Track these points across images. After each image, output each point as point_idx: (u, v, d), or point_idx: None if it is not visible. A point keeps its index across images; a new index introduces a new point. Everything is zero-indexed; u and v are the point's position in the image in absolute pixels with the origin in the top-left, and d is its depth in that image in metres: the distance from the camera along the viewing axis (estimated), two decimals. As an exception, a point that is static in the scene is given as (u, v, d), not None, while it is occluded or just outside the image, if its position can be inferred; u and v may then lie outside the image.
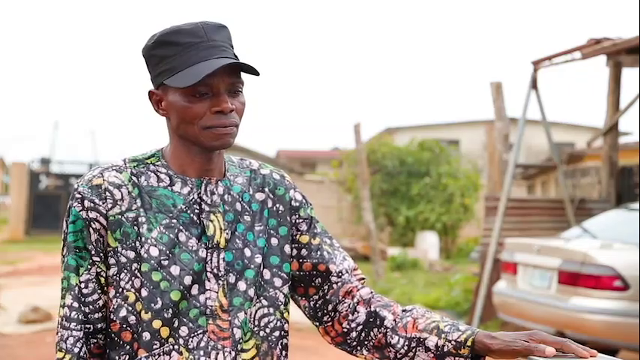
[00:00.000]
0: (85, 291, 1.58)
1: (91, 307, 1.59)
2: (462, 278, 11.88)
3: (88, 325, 1.58)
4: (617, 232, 7.03)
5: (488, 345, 1.55)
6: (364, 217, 13.87)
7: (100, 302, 1.60)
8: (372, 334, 1.70)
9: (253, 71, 1.60)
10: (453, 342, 1.60)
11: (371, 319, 1.71)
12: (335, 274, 1.74)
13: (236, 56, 1.62)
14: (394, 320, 1.69)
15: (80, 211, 1.58)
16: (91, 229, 1.58)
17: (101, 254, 1.59)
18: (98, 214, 1.58)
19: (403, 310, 1.71)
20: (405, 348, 1.66)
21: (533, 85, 9.34)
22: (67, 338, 1.57)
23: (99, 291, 1.59)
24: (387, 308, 1.71)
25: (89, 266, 1.58)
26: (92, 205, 1.57)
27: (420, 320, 1.67)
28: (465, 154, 22.26)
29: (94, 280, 1.59)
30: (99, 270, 1.59)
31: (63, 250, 1.62)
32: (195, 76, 1.54)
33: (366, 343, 1.71)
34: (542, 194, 18.93)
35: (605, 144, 9.85)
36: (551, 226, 9.35)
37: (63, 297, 1.60)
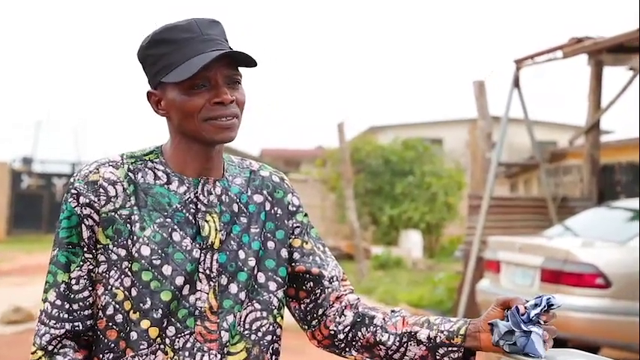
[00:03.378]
0: (75, 287, 1.57)
1: (81, 303, 1.57)
2: (445, 277, 11.92)
3: (76, 323, 1.57)
4: (599, 230, 7.07)
5: (480, 337, 1.57)
6: (348, 215, 13.88)
7: (91, 300, 1.58)
8: (359, 334, 1.69)
9: (250, 62, 1.59)
10: (445, 332, 1.60)
11: (359, 320, 1.70)
12: (327, 279, 1.73)
13: (231, 49, 1.61)
14: (383, 319, 1.68)
15: (75, 207, 1.57)
16: (84, 225, 1.57)
17: (93, 251, 1.57)
18: (92, 211, 1.56)
19: (392, 311, 1.72)
20: (397, 344, 1.65)
21: (516, 83, 9.38)
22: (44, 335, 1.56)
23: (90, 288, 1.58)
24: (375, 310, 1.72)
25: (81, 262, 1.57)
26: (87, 201, 1.56)
27: (410, 318, 1.67)
28: (448, 153, 22.31)
29: (85, 276, 1.57)
30: (90, 267, 1.58)
31: (54, 244, 1.60)
32: (191, 68, 1.53)
33: (354, 343, 1.70)
34: (524, 192, 18.99)
35: (587, 142, 9.91)
36: (534, 225, 9.40)
37: (46, 292, 1.58)
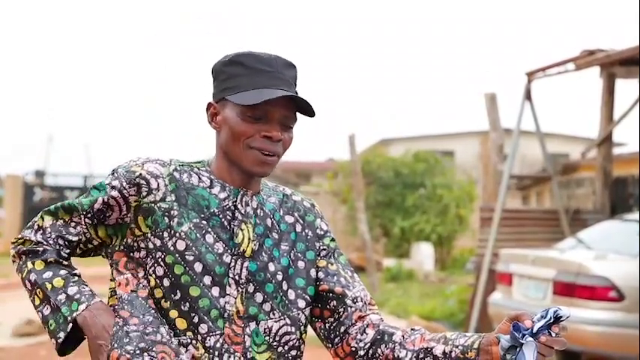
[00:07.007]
0: (71, 230, 1.72)
1: (67, 242, 1.72)
2: (457, 289, 11.88)
3: (58, 249, 1.73)
4: (612, 242, 7.04)
5: (492, 350, 1.60)
6: (359, 228, 13.87)
7: (74, 245, 1.73)
8: (379, 350, 1.75)
9: (309, 112, 1.70)
10: (460, 347, 1.65)
11: (379, 337, 1.76)
12: (350, 299, 1.80)
13: (297, 94, 1.71)
14: (402, 336, 1.74)
15: (107, 184, 1.70)
16: (101, 199, 1.69)
17: (94, 220, 1.70)
18: (119, 195, 1.68)
19: (412, 329, 1.77)
20: None
21: (527, 96, 9.37)
22: (33, 236, 1.74)
23: (82, 235, 1.72)
24: (395, 328, 1.78)
25: (82, 216, 1.71)
26: (119, 185, 1.68)
27: (428, 335, 1.73)
28: (459, 165, 22.29)
29: (83, 225, 1.71)
30: (86, 227, 1.72)
31: None
32: (256, 97, 1.63)
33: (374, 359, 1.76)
34: (536, 205, 18.96)
35: (599, 155, 9.87)
36: (546, 237, 9.36)
37: (42, 218, 1.74)
